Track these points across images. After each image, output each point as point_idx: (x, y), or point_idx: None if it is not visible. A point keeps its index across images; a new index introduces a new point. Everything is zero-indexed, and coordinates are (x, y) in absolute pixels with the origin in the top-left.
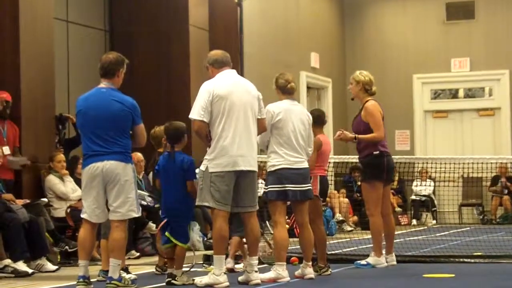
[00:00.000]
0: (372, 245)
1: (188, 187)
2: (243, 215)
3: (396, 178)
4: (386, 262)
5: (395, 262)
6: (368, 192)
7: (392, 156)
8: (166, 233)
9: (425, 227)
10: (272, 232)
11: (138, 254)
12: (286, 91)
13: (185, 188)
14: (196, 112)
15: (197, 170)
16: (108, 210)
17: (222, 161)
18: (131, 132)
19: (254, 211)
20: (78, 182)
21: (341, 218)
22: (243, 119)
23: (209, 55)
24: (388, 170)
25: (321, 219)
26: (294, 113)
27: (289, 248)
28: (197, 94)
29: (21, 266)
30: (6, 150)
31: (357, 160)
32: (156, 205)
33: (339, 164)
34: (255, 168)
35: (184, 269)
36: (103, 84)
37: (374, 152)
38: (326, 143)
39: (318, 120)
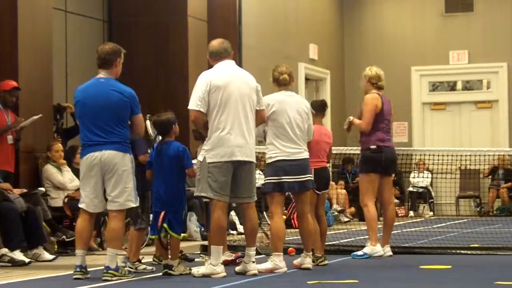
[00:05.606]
0: (367, 236)
1: (190, 175)
2: (241, 206)
3: None
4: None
5: (391, 253)
6: (364, 183)
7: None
8: (165, 225)
9: (422, 219)
10: (269, 222)
11: None
12: (280, 82)
13: (178, 178)
14: (193, 102)
15: (194, 161)
16: (106, 200)
17: (219, 151)
18: (129, 122)
19: (251, 201)
20: (75, 172)
21: (340, 209)
22: (241, 110)
23: (209, 45)
24: (386, 164)
25: (312, 211)
26: (289, 104)
27: (286, 239)
28: (195, 85)
29: (18, 255)
30: (10, 139)
31: (351, 152)
32: None
33: (336, 156)
34: (253, 159)
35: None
36: (102, 75)
37: (371, 147)
38: (319, 134)
39: (313, 109)
